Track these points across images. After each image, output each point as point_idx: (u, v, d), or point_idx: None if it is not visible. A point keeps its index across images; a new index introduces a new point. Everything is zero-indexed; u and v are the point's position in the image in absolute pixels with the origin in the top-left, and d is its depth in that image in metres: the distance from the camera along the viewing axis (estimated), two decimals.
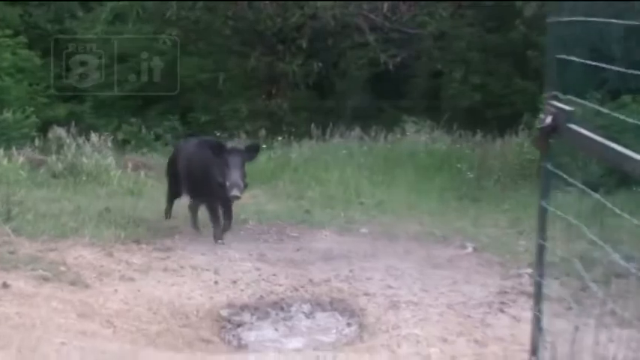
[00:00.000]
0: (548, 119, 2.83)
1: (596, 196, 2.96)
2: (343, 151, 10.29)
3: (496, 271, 5.62)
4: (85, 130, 9.48)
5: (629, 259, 4.32)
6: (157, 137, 11.79)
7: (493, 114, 12.60)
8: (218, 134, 11.37)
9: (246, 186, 6.24)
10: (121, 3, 12.82)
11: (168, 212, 6.90)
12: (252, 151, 6.49)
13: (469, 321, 4.55)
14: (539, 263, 3.19)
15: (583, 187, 3.05)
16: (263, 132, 11.43)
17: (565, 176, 2.96)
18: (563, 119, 2.75)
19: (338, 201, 8.31)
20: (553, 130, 2.83)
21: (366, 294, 5.07)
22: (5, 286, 4.46)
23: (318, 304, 4.96)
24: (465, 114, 12.92)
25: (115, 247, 5.53)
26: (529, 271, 5.33)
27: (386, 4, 12.76)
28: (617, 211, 2.66)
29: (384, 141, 11.06)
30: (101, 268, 5.04)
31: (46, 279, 4.61)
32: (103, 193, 7.42)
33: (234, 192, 6.02)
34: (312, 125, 11.75)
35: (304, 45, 12.77)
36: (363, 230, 7.02)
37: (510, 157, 9.83)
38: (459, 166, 9.68)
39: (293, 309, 4.88)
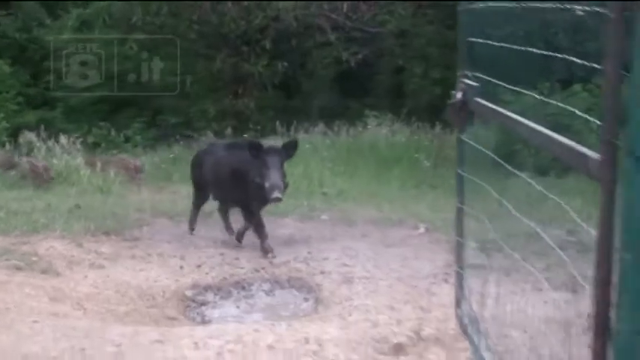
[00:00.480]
0: (459, 95, 3.22)
1: (509, 169, 3.32)
2: (307, 146, 10.59)
3: (444, 247, 5.97)
4: (55, 134, 9.73)
5: (571, 234, 4.75)
6: (127, 139, 12.03)
7: None
8: (188, 134, 11.72)
9: (286, 186, 5.93)
10: (87, 10, 13.06)
11: (193, 222, 6.52)
12: (290, 149, 6.08)
13: (416, 290, 4.93)
14: (459, 224, 3.59)
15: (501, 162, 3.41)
16: (230, 130, 11.75)
17: (478, 147, 3.34)
18: (471, 94, 3.15)
19: (302, 192, 8.62)
20: (463, 104, 3.22)
21: (322, 272, 5.43)
22: None
23: (277, 283, 5.33)
24: (426, 107, 13.32)
25: (84, 238, 5.83)
26: (474, 245, 5.75)
27: (346, 4, 13.12)
28: (545, 192, 2.99)
29: (347, 135, 11.45)
30: (72, 257, 5.35)
31: (18, 268, 4.91)
32: (73, 192, 7.68)
33: (275, 194, 5.68)
34: (277, 122, 12.12)
35: (268, 46, 13.09)
36: (324, 217, 7.35)
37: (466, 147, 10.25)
38: (416, 156, 10.07)
39: (254, 288, 5.24)
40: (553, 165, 7.87)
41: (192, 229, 6.50)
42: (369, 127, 12.05)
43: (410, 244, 6.20)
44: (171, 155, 10.96)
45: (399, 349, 4.01)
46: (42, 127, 9.86)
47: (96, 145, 11.55)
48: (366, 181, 9.03)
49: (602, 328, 1.81)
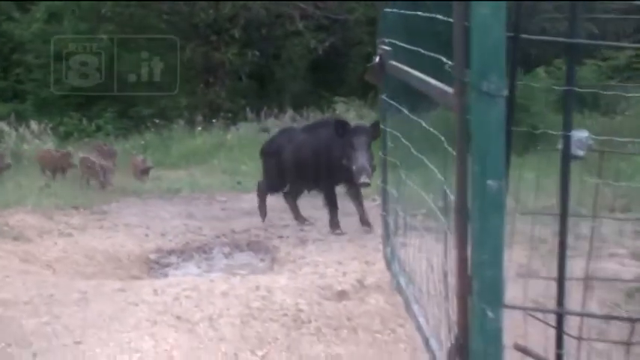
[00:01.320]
0: (377, 58, 3.63)
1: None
2: (276, 129, 10.97)
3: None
4: (26, 121, 9.98)
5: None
6: (98, 128, 12.28)
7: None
8: (157, 121, 12.00)
9: (374, 169, 5.47)
10: (57, 2, 13.26)
11: (263, 210, 6.26)
12: (377, 129, 5.26)
13: (364, 249, 5.31)
14: (383, 173, 3.99)
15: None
16: (200, 118, 12.07)
17: (398, 106, 3.72)
18: (387, 57, 3.55)
19: None
20: (381, 66, 3.63)
21: (280, 236, 5.81)
22: None
23: (236, 247, 5.70)
24: None
25: (54, 212, 6.15)
26: (423, 211, 6.13)
27: None
28: None
29: (315, 119, 11.81)
30: (42, 227, 5.67)
31: None
32: (44, 174, 7.97)
33: (363, 179, 5.44)
34: (248, 109, 12.47)
35: (237, 34, 13.39)
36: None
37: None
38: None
39: (214, 251, 5.62)
40: (513, 144, 8.35)
41: (263, 214, 6.24)
42: (337, 112, 12.44)
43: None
44: (142, 142, 11.26)
45: (342, 295, 4.38)
46: (12, 115, 10.10)
47: (68, 134, 11.79)
48: None
49: (461, 225, 2.22)
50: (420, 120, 3.09)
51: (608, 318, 2.76)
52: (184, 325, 3.77)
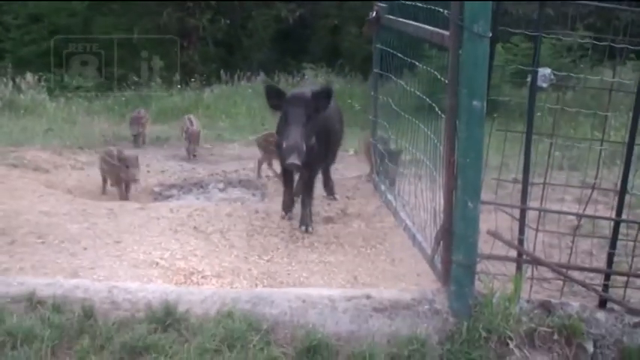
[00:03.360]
0: (374, 13, 4.42)
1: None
2: (249, 90, 11.67)
3: (366, 163, 7.16)
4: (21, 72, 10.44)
5: None
6: (79, 86, 12.72)
7: None
8: (136, 79, 12.53)
9: (313, 149, 4.64)
10: None
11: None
12: (322, 98, 4.63)
13: (344, 187, 6.08)
14: (374, 108, 4.79)
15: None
16: (177, 77, 12.64)
17: (393, 51, 4.49)
18: (383, 12, 4.34)
19: (246, 129, 9.68)
20: (377, 20, 4.41)
21: (268, 176, 6.55)
22: None
23: (229, 183, 6.43)
24: (360, 64, 14.49)
25: (63, 150, 6.78)
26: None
27: None
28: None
29: (286, 83, 12.50)
30: (55, 162, 6.33)
31: (15, 165, 5.88)
32: (43, 121, 8.53)
33: (292, 159, 4.47)
34: (222, 71, 13.08)
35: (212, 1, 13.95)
36: None
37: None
38: (349, 101, 11.23)
39: (210, 186, 6.34)
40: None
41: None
42: (306, 77, 13.15)
43: (342, 162, 7.33)
44: (122, 98, 11.79)
45: (328, 220, 5.18)
46: (9, 64, 10.54)
47: (50, 90, 12.20)
48: None
49: (451, 136, 3.00)
50: (414, 61, 3.86)
51: (559, 213, 3.59)
52: (201, 234, 4.51)
